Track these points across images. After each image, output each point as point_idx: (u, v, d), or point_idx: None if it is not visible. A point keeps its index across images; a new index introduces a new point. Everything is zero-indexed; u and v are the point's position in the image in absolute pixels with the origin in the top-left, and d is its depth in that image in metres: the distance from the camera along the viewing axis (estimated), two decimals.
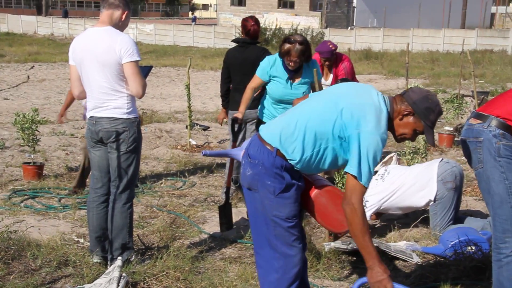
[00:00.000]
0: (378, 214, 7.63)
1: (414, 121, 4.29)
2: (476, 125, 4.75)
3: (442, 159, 7.35)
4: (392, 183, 7.26)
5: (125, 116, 5.79)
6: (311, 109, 4.34)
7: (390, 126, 4.31)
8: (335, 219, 4.39)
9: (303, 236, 4.53)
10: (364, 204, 7.03)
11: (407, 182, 7.18)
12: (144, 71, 6.21)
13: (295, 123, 4.28)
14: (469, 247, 6.24)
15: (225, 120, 8.91)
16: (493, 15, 64.20)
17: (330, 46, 9.24)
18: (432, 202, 7.04)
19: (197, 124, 13.83)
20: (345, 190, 4.17)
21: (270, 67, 7.38)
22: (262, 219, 4.33)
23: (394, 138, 4.45)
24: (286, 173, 4.25)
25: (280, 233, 4.29)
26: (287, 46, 7.13)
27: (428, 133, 4.31)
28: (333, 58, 9.30)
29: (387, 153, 8.85)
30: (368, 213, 7.15)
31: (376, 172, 7.44)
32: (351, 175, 4.10)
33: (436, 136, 12.20)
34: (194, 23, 64.14)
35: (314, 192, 4.39)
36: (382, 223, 7.58)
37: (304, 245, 4.49)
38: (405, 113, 4.27)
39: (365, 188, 4.11)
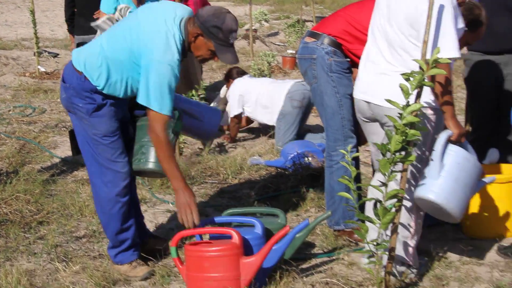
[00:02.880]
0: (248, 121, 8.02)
1: (205, 41, 4.13)
2: (310, 43, 4.88)
3: (301, 81, 7.51)
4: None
5: None
6: (110, 36, 4.30)
7: (190, 49, 4.24)
8: None
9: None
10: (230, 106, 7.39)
11: (258, 90, 7.52)
12: None
13: (99, 51, 4.23)
14: (306, 158, 6.53)
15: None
16: None
17: None
18: (277, 117, 7.32)
19: (45, 51, 13.36)
20: (149, 120, 4.13)
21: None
22: (84, 138, 4.34)
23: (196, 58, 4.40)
24: (97, 94, 4.22)
25: (102, 150, 4.29)
26: None
27: (220, 52, 4.16)
28: None
29: None
30: (238, 109, 7.58)
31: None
32: (150, 108, 4.06)
33: (280, 59, 12.47)
34: None
35: None
36: (229, 143, 7.79)
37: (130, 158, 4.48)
38: (195, 35, 4.13)
39: (166, 116, 4.07)
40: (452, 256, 4.75)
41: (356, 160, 4.91)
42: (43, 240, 5.04)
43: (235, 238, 4.06)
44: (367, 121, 4.39)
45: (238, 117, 7.70)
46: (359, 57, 4.77)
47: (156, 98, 4.03)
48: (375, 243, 3.77)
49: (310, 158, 6.52)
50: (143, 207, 5.47)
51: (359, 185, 4.26)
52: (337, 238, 4.98)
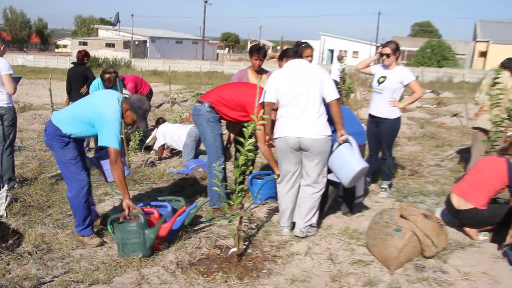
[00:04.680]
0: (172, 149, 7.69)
1: (131, 114, 3.91)
2: (198, 106, 4.75)
3: (194, 126, 7.22)
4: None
5: (5, 105, 5.22)
6: (76, 108, 3.98)
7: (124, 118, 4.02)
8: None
9: (87, 168, 4.18)
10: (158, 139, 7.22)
11: (173, 131, 7.29)
12: (16, 80, 5.49)
13: (69, 115, 3.94)
14: (199, 169, 6.40)
15: None
16: (218, 53, 66.80)
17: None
18: (182, 145, 7.10)
19: (57, 110, 12.44)
20: (109, 153, 3.81)
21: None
22: (60, 162, 4.03)
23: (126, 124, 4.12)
24: (65, 137, 3.96)
25: (71, 168, 4.00)
26: (107, 75, 6.80)
27: (139, 121, 3.94)
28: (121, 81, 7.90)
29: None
30: (162, 141, 7.30)
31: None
32: (109, 146, 3.78)
33: (187, 115, 12.13)
34: (24, 52, 56.99)
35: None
36: (157, 160, 7.43)
37: (88, 174, 4.17)
38: (126, 110, 3.92)
39: (118, 150, 3.76)
40: (276, 218, 4.72)
41: (224, 169, 4.83)
42: (50, 216, 4.68)
43: (155, 213, 3.94)
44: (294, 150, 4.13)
45: (163, 146, 7.42)
46: (224, 114, 4.73)
47: (113, 138, 3.76)
48: (232, 214, 3.69)
49: (201, 169, 6.38)
50: (106, 197, 5.18)
51: (225, 183, 4.20)
52: (214, 212, 4.86)
